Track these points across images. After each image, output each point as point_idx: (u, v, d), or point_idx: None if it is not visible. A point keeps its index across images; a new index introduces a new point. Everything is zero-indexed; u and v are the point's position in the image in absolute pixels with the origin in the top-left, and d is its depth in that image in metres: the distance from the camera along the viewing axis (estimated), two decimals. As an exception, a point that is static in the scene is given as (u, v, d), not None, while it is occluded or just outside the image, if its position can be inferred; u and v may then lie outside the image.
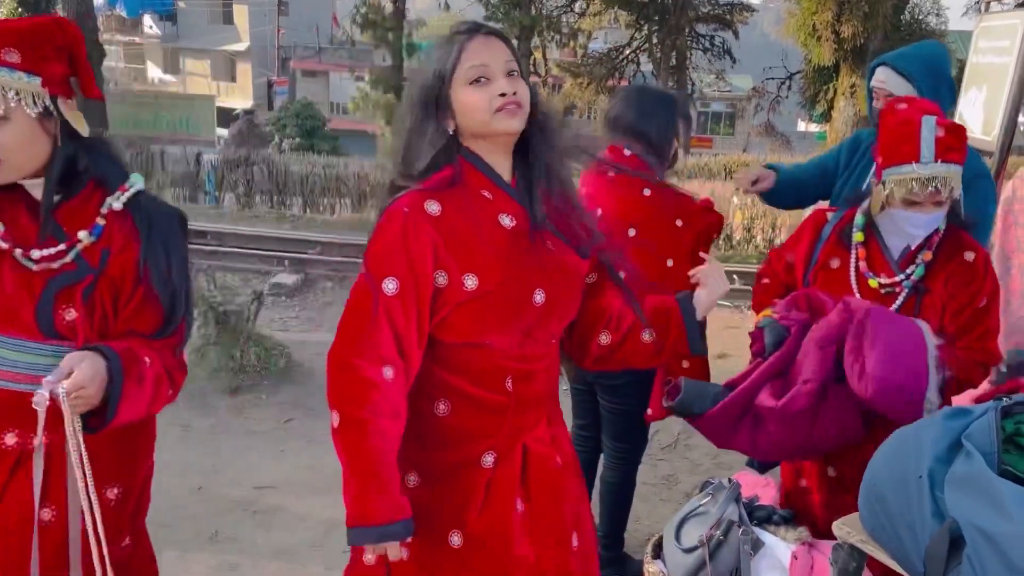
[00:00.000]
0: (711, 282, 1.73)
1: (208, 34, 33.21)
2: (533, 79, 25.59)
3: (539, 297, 1.56)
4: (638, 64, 24.28)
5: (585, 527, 1.77)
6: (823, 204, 2.71)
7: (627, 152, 2.53)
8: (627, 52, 23.92)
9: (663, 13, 22.60)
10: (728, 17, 23.70)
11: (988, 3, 4.23)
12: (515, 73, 1.53)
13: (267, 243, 7.66)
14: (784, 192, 2.89)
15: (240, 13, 33.24)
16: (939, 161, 2.03)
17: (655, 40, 23.23)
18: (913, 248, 2.16)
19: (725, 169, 17.41)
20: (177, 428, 4.01)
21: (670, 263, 2.46)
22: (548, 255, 1.59)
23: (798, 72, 21.24)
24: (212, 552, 3.00)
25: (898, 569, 1.64)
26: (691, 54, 24.08)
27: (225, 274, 5.48)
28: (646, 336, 1.71)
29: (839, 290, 2.22)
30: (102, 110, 17.19)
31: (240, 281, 5.23)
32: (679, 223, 2.51)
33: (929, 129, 2.03)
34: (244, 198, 9.52)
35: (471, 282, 1.52)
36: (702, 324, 1.74)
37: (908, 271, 2.15)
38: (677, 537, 2.22)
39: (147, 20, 34.07)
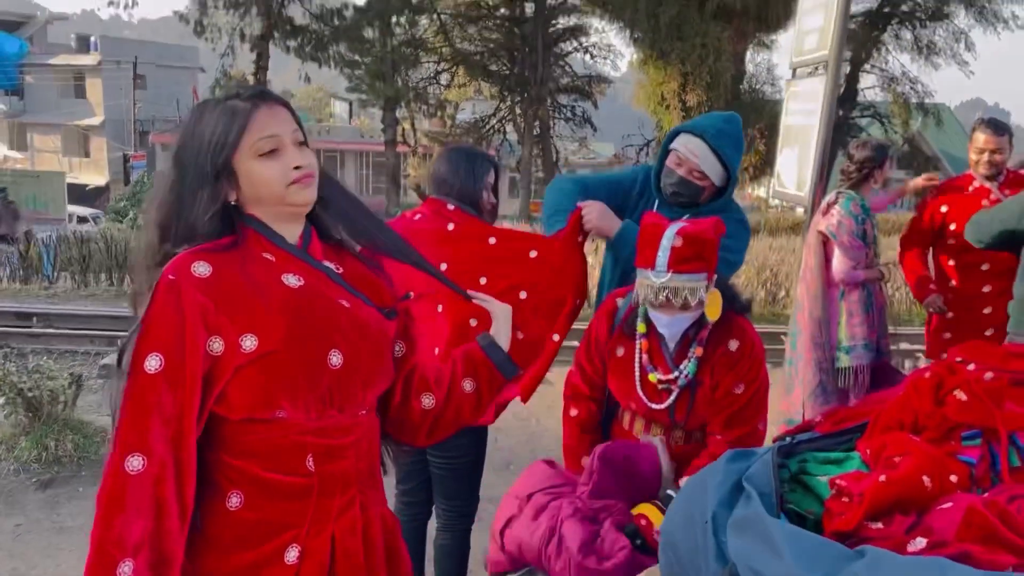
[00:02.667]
0: (494, 309, 1.81)
1: (58, 108, 31.88)
2: (403, 148, 25.87)
3: (335, 359, 1.44)
4: (504, 133, 24.96)
5: None
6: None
7: (450, 207, 2.51)
8: (493, 122, 24.55)
9: (524, 85, 23.40)
10: (587, 88, 24.82)
11: (795, 70, 4.53)
12: (303, 143, 1.47)
13: (101, 323, 7.18)
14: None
15: (93, 87, 32.14)
16: (671, 272, 2.06)
17: (519, 111, 23.97)
18: (686, 340, 2.20)
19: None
20: (-30, 531, 3.60)
21: (523, 295, 2.42)
22: (345, 314, 1.49)
23: (654, 139, 22.40)
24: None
25: (689, 619, 1.60)
26: (554, 123, 24.97)
27: (40, 357, 5.04)
28: (467, 386, 1.71)
29: (626, 379, 2.28)
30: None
31: (58, 364, 4.82)
32: (533, 254, 2.49)
33: (668, 239, 2.06)
34: (80, 276, 8.94)
35: (250, 342, 1.37)
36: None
37: (682, 367, 2.20)
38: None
39: (-10, 96, 32.43)
